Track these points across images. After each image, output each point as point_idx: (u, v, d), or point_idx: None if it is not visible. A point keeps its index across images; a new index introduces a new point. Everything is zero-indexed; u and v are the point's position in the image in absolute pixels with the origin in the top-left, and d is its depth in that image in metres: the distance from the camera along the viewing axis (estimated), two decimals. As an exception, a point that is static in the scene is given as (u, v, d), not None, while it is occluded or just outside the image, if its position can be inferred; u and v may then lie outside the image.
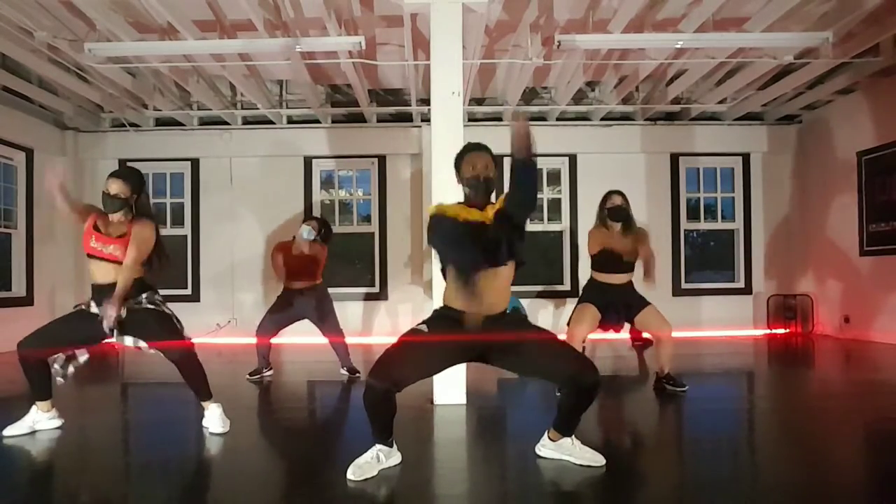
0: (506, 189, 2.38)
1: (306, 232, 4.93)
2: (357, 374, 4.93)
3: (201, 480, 2.67)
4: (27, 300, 7.16)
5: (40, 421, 3.18)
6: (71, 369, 3.18)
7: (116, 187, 3.07)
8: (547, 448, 2.67)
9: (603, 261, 4.08)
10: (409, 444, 3.20)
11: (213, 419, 3.22)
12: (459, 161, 2.57)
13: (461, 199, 2.61)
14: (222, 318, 7.74)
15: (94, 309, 3.04)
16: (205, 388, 3.25)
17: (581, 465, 2.55)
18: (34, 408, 3.18)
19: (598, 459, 2.57)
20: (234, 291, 7.84)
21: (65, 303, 7.59)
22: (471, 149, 2.58)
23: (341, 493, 2.36)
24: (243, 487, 2.43)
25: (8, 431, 3.09)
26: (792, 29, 5.24)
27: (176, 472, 2.72)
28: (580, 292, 4.30)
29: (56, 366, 3.15)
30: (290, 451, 3.05)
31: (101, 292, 3.03)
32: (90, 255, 3.09)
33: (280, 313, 4.94)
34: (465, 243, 2.41)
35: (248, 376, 4.89)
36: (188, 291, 7.84)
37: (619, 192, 4.13)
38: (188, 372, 3.22)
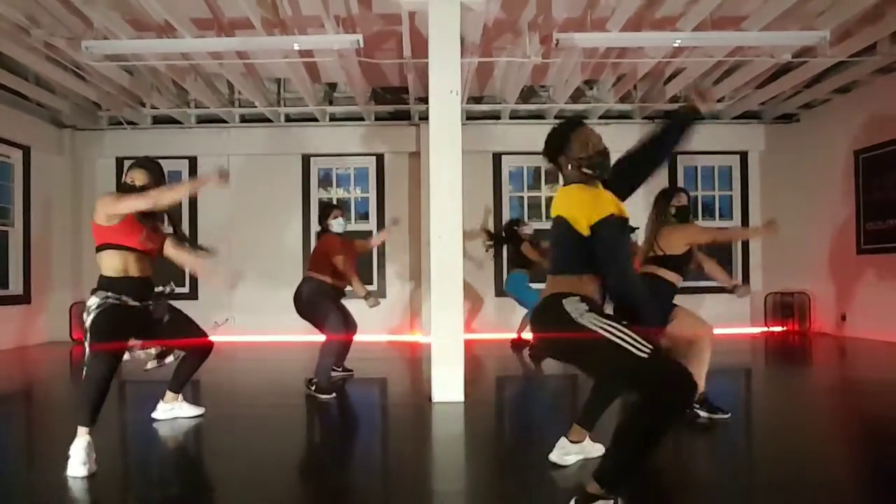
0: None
1: (340, 225, 4.60)
2: (350, 373, 4.92)
3: (201, 480, 2.68)
4: (24, 298, 7.15)
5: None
6: (170, 358, 3.20)
7: (143, 177, 3.04)
8: (572, 454, 2.58)
9: (682, 262, 3.51)
10: (407, 441, 3.21)
11: (187, 408, 3.50)
12: (564, 141, 2.23)
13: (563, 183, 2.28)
14: (220, 316, 7.73)
15: (132, 302, 2.87)
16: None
17: (593, 458, 2.58)
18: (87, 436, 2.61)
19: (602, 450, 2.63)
20: (232, 289, 7.83)
21: (62, 301, 7.60)
22: (575, 125, 2.26)
23: (341, 489, 2.36)
24: (243, 485, 2.43)
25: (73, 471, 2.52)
26: (790, 28, 5.25)
27: (175, 471, 2.72)
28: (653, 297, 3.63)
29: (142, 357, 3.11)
30: (290, 448, 3.05)
31: (143, 286, 2.94)
32: (134, 250, 2.90)
33: (337, 306, 4.54)
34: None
35: (320, 396, 4.10)
36: (186, 289, 7.82)
37: (686, 192, 3.73)
38: (197, 365, 3.39)
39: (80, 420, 2.59)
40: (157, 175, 3.12)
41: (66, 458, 2.51)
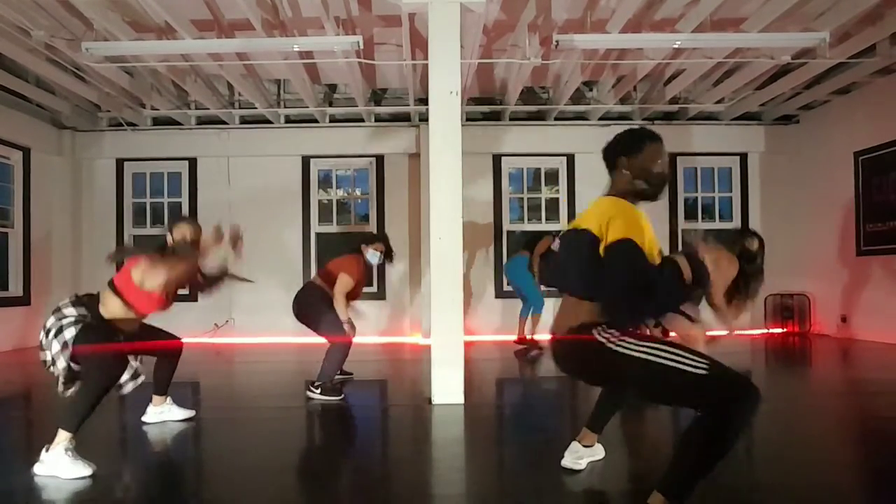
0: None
1: (376, 258, 4.56)
2: (350, 375, 4.92)
3: (198, 483, 2.67)
4: (24, 300, 7.14)
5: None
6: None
7: (194, 233, 3.11)
8: (585, 458, 2.56)
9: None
10: (406, 444, 3.21)
11: (176, 411, 3.49)
12: (638, 148, 2.13)
13: (603, 192, 2.19)
14: (220, 318, 7.73)
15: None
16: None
17: (598, 460, 2.60)
18: (66, 442, 2.58)
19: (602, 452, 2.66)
20: (231, 291, 7.83)
21: (62, 302, 7.58)
22: (656, 138, 2.16)
23: (339, 492, 2.36)
24: (241, 488, 2.43)
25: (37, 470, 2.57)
26: (789, 29, 5.25)
27: (174, 474, 2.72)
28: None
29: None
30: (289, 451, 3.05)
31: (133, 326, 3.01)
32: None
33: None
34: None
35: (327, 398, 4.02)
36: (185, 291, 7.80)
37: (759, 237, 3.57)
38: (172, 366, 3.42)
39: (68, 426, 2.56)
40: (201, 229, 3.21)
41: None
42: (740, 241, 3.55)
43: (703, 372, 1.78)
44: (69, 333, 2.69)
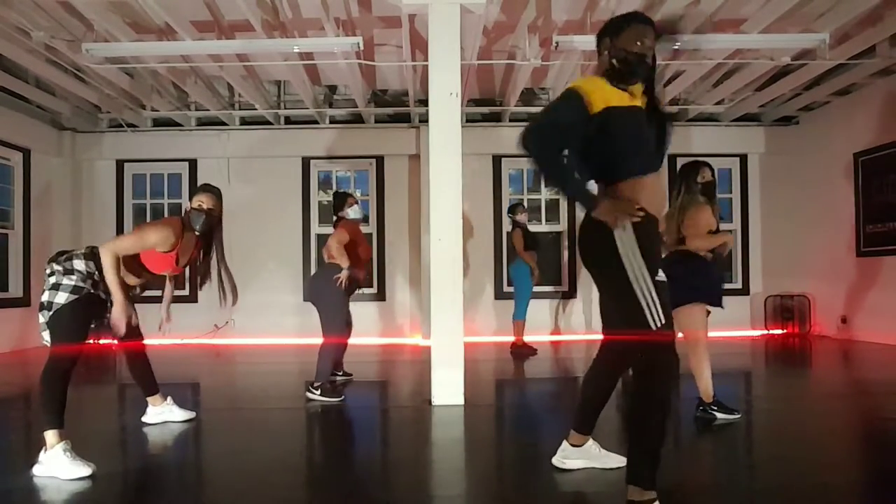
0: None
1: (356, 211, 4.53)
2: (350, 376, 4.91)
3: (198, 483, 2.67)
4: (24, 301, 7.14)
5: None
6: None
7: (211, 201, 3.08)
8: (571, 458, 2.51)
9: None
10: (406, 445, 3.21)
11: (177, 411, 3.46)
12: (619, 30, 2.11)
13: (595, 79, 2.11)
14: (220, 319, 7.72)
15: (103, 296, 2.86)
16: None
17: (608, 469, 2.49)
18: (62, 443, 2.56)
19: (622, 460, 2.40)
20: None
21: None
22: (640, 20, 2.11)
23: (339, 493, 2.36)
24: (241, 488, 2.43)
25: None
26: (789, 30, 5.26)
27: (174, 473, 2.72)
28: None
29: None
30: (289, 452, 3.04)
31: (137, 283, 3.05)
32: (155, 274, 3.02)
33: (346, 301, 4.42)
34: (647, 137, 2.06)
35: (326, 399, 4.01)
36: (186, 292, 7.80)
37: (710, 166, 3.52)
38: (143, 364, 3.37)
39: (49, 423, 2.54)
40: (221, 201, 3.17)
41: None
42: (694, 176, 3.51)
43: (651, 327, 1.86)
44: (60, 298, 2.67)
